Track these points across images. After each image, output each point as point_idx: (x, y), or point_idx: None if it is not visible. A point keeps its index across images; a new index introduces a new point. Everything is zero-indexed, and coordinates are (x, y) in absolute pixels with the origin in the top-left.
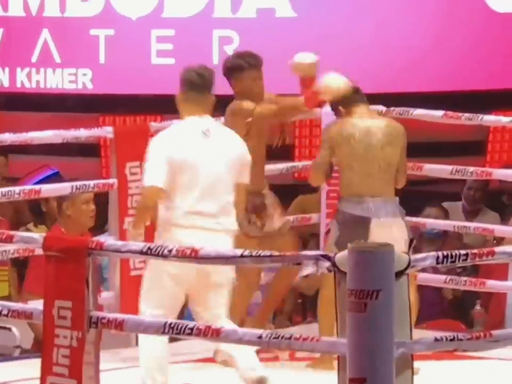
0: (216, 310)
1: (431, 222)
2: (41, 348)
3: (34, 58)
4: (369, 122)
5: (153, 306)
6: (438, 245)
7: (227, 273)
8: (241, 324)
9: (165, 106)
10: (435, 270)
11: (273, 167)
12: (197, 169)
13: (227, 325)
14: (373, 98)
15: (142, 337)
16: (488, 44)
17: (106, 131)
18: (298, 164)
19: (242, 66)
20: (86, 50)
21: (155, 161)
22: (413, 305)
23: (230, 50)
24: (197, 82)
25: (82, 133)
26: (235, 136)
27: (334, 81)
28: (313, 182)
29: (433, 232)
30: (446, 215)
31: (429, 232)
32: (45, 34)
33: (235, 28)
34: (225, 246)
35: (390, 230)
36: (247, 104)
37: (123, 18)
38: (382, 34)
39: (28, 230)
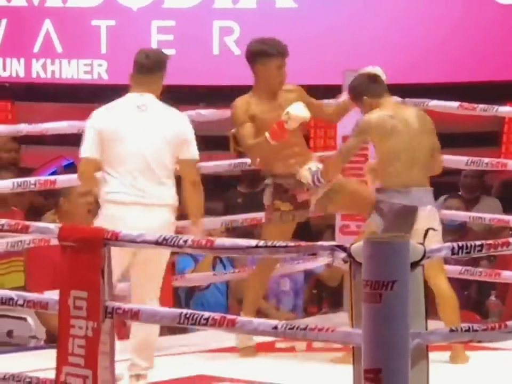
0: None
1: (450, 214)
2: (57, 338)
3: (36, 48)
4: (404, 113)
5: None
6: (457, 236)
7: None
8: (257, 314)
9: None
10: (457, 261)
11: None
12: (128, 141)
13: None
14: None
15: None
16: (499, 36)
17: None
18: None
19: (270, 52)
20: (88, 40)
21: (88, 134)
22: (447, 292)
23: (230, 41)
24: (143, 63)
25: None
26: (175, 113)
27: (299, 110)
28: (335, 172)
29: (455, 224)
30: (466, 206)
31: (450, 224)
32: (47, 25)
33: (235, 18)
34: (160, 220)
35: (433, 218)
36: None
37: (124, 9)
38: (390, 27)
39: (45, 219)
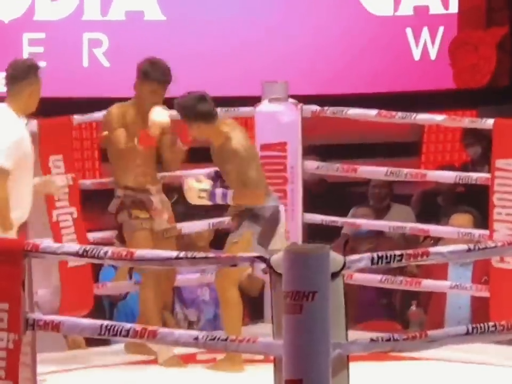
0: None
1: (368, 223)
2: None
3: None
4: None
5: None
6: (374, 245)
7: None
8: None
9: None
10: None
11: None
12: None
13: None
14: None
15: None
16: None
17: (31, 125)
18: None
19: (149, 75)
20: None
21: None
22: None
23: (99, 53)
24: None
25: None
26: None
27: (158, 116)
28: None
29: (365, 231)
30: (377, 215)
31: (362, 232)
32: None
33: (104, 30)
34: None
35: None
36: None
37: None
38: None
39: None
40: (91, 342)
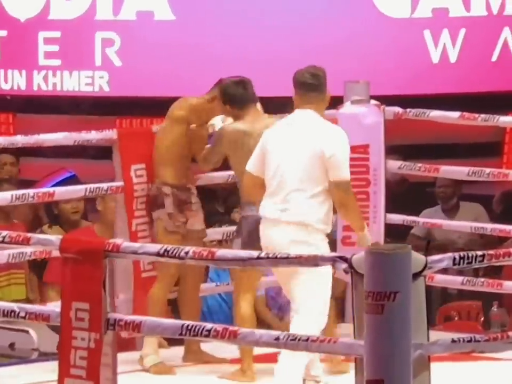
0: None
1: (449, 224)
2: (58, 349)
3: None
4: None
5: None
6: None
7: None
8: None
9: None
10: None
11: None
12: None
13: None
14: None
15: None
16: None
17: (110, 134)
18: None
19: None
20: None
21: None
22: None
23: (111, 52)
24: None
25: (89, 136)
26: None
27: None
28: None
29: None
30: (447, 216)
31: None
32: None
33: (116, 30)
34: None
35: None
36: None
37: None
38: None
39: (42, 232)
40: (174, 341)
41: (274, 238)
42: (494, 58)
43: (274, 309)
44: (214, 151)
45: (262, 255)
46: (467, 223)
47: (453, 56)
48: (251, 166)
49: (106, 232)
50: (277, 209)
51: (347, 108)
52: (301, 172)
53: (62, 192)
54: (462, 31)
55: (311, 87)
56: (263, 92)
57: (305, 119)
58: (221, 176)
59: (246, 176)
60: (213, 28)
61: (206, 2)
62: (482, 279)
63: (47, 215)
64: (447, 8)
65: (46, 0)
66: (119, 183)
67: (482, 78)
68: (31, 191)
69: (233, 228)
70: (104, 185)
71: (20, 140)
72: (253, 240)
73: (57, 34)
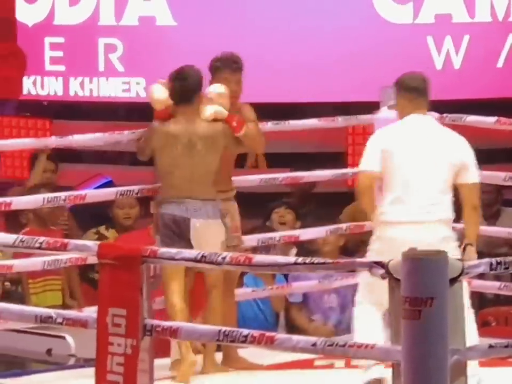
0: None
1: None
2: (95, 355)
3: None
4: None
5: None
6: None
7: None
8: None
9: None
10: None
11: (325, 173)
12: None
13: None
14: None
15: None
16: None
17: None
18: (350, 171)
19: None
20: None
21: (370, 150)
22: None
23: (114, 58)
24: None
25: (124, 136)
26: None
27: (154, 93)
28: None
29: None
30: (488, 221)
31: None
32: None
33: (118, 35)
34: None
35: (207, 231)
36: None
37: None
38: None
39: (98, 232)
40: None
41: (423, 239)
42: (500, 64)
43: (318, 313)
44: (146, 145)
45: (299, 260)
46: (508, 229)
47: (457, 63)
48: (371, 166)
49: None
50: (420, 212)
51: (384, 113)
52: (436, 175)
53: (93, 195)
54: (466, 37)
55: (423, 92)
56: (259, 97)
57: (427, 124)
58: (252, 180)
59: (365, 176)
60: (214, 33)
61: (207, 8)
62: None
63: (103, 217)
64: (450, 14)
65: (51, 5)
66: (149, 186)
67: (487, 84)
68: (62, 194)
69: (269, 234)
70: (135, 188)
71: (54, 141)
72: (170, 237)
73: (61, 40)
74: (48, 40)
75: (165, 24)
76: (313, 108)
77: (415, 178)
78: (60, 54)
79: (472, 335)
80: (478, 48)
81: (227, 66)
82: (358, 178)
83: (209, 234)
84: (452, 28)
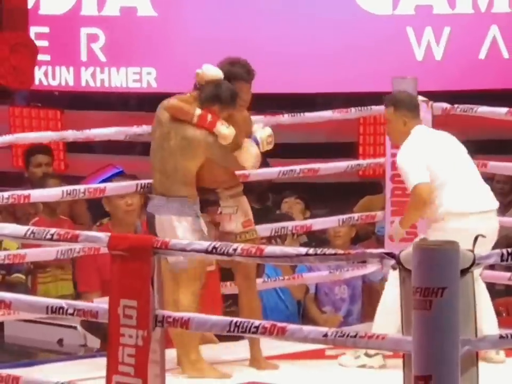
0: None
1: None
2: (107, 346)
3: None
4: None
5: None
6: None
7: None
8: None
9: None
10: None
11: (336, 165)
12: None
13: None
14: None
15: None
16: None
17: None
18: (362, 162)
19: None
20: None
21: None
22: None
23: (96, 47)
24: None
25: (144, 129)
26: None
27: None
28: None
29: None
30: (501, 211)
31: None
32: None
33: (100, 25)
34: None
35: (169, 228)
36: None
37: None
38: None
39: (101, 224)
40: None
41: (494, 226)
42: (482, 56)
43: (328, 305)
44: None
45: (310, 251)
46: None
47: (438, 54)
48: (427, 177)
49: None
50: (488, 200)
51: None
52: (475, 169)
53: (113, 188)
54: (447, 29)
55: (418, 108)
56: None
57: (434, 130)
58: (272, 172)
59: (425, 188)
60: (195, 24)
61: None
62: None
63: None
64: (431, 6)
65: None
66: None
67: (469, 75)
68: (81, 187)
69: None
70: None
71: (71, 134)
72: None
73: (46, 29)
74: (33, 29)
75: (146, 15)
76: (323, 97)
77: (468, 173)
78: (45, 43)
79: (492, 327)
80: (459, 40)
81: (243, 75)
82: (419, 191)
83: (172, 231)
84: (433, 19)
